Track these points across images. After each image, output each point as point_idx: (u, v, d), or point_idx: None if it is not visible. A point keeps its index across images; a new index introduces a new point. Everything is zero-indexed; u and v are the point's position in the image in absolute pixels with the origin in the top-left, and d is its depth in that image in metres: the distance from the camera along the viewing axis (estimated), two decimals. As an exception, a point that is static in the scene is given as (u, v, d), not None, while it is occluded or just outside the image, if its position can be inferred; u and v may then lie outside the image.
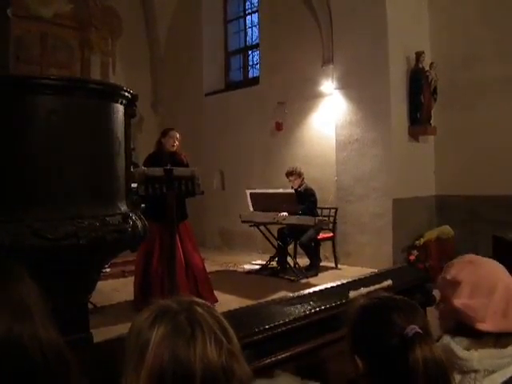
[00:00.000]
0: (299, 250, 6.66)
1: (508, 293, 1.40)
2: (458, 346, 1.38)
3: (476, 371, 1.33)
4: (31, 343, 0.74)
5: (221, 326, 0.89)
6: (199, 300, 0.95)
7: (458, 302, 1.43)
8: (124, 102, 2.61)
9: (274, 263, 6.64)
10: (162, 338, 0.86)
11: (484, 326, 1.37)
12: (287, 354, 1.98)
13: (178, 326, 0.87)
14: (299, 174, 6.63)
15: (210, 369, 0.83)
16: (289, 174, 6.66)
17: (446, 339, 1.42)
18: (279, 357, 1.92)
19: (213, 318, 0.90)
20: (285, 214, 6.27)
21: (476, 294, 1.41)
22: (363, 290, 2.32)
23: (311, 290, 2.70)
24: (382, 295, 1.29)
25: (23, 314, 0.76)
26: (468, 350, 1.37)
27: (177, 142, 5.01)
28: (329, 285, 2.81)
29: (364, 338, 1.17)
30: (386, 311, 1.17)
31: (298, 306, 2.27)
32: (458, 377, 1.33)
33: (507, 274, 1.45)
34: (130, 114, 2.69)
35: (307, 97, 7.52)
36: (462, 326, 1.42)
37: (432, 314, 2.72)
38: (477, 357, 1.34)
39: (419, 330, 1.10)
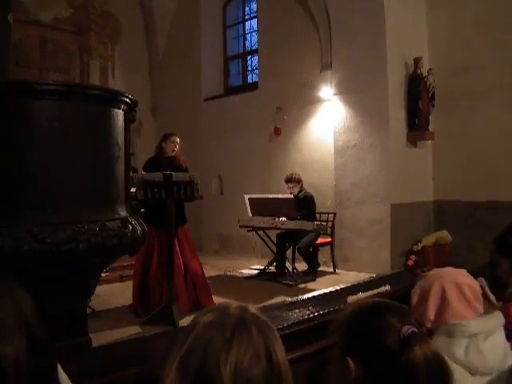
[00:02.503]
0: (297, 254, 6.66)
1: (443, 293, 1.59)
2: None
3: (475, 334, 1.51)
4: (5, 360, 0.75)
5: (266, 347, 0.89)
6: (263, 317, 0.95)
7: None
8: (124, 107, 2.62)
9: (272, 268, 6.64)
10: (205, 327, 0.89)
11: (429, 325, 1.60)
12: (285, 358, 1.98)
13: (223, 326, 0.88)
14: (298, 181, 6.57)
15: (235, 379, 0.83)
16: (288, 180, 6.58)
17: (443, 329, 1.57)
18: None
19: (262, 337, 0.90)
20: (283, 218, 6.27)
21: (420, 300, 1.66)
22: (361, 295, 2.33)
23: (309, 294, 2.72)
24: (373, 299, 1.31)
25: None
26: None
27: (177, 147, 4.95)
28: (327, 290, 2.82)
29: (358, 339, 1.16)
30: (380, 313, 1.17)
31: (297, 310, 2.28)
32: (464, 341, 1.50)
33: (457, 279, 1.62)
34: (129, 119, 2.70)
35: (306, 102, 7.54)
36: None
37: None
38: (473, 322, 1.53)
39: (415, 330, 1.10)
